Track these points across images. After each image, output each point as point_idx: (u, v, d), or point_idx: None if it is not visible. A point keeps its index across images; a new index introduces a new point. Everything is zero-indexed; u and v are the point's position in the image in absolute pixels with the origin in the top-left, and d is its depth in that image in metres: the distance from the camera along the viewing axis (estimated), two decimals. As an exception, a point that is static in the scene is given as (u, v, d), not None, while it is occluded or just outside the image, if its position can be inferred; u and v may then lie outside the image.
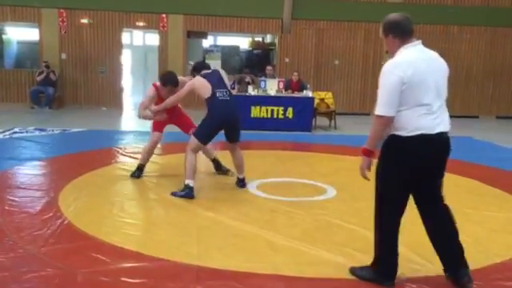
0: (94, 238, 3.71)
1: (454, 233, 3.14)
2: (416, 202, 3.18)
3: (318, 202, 4.98)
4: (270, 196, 5.08)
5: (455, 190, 5.57)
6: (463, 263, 3.11)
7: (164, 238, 3.81)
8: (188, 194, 4.83)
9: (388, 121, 2.88)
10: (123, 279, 3.06)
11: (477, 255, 3.62)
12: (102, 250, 3.50)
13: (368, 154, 3.02)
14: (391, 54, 3.00)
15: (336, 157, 7.36)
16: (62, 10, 12.66)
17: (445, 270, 3.17)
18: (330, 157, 7.40)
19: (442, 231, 3.15)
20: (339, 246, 3.72)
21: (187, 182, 4.88)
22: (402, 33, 2.96)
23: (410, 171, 2.95)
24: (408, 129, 2.88)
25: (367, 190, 5.36)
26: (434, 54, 3.03)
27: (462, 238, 3.91)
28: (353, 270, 3.28)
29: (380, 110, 2.88)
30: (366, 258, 3.51)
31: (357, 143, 8.65)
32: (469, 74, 13.78)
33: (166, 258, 3.38)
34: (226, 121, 5.15)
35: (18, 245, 3.53)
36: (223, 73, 5.30)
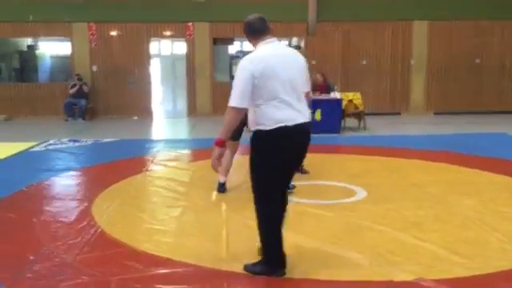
0: (127, 245, 3.79)
1: None
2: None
3: (347, 204, 4.94)
4: (298, 199, 5.05)
5: (489, 187, 5.49)
6: None
7: (194, 243, 3.86)
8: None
9: (240, 112, 3.07)
10: (155, 286, 3.11)
11: (512, 254, 3.53)
12: (135, 257, 3.56)
13: (221, 144, 3.18)
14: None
15: (365, 158, 7.28)
16: (91, 24, 13.00)
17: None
18: (359, 158, 7.34)
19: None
20: (370, 248, 3.67)
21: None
22: (254, 32, 3.21)
23: (277, 163, 3.09)
24: (268, 123, 3.03)
25: (397, 191, 5.36)
26: (288, 50, 3.30)
27: (497, 236, 3.87)
28: (246, 268, 3.27)
29: (233, 101, 3.05)
30: (398, 259, 3.48)
31: (386, 143, 8.65)
32: (501, 69, 13.41)
33: (196, 263, 3.42)
34: None
35: (54, 254, 3.64)
36: None
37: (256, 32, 3.21)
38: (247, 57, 3.14)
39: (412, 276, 3.17)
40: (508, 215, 4.42)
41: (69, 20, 12.89)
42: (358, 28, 13.38)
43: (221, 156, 3.24)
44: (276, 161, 3.09)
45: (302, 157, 3.34)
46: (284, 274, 3.20)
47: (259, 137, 3.10)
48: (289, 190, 3.65)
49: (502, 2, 13.09)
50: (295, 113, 3.07)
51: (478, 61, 13.22)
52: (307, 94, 3.37)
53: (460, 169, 6.41)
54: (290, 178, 3.37)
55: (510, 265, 3.31)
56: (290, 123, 3.03)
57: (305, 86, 3.27)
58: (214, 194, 5.32)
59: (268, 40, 3.17)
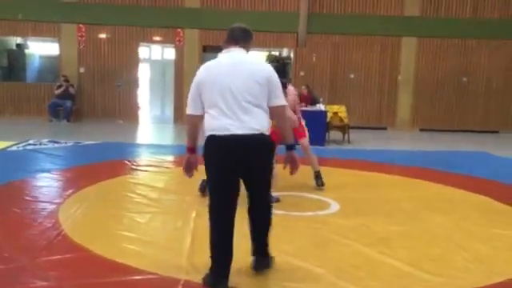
0: (87, 250, 3.71)
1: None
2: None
3: (318, 216, 4.89)
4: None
5: (463, 205, 5.47)
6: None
7: (156, 251, 3.79)
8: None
9: (193, 119, 3.18)
10: (108, 293, 3.05)
11: (476, 273, 3.50)
12: (93, 262, 3.49)
13: (189, 151, 3.30)
14: None
15: (345, 171, 7.26)
16: (80, 25, 12.95)
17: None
18: (338, 171, 7.30)
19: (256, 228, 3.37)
20: (333, 263, 3.63)
21: None
22: (226, 40, 3.22)
23: (214, 172, 3.10)
24: (206, 130, 3.09)
25: (371, 206, 5.32)
26: (245, 60, 3.13)
27: (463, 254, 3.85)
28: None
29: (187, 109, 3.19)
30: (360, 274, 3.44)
31: (369, 158, 8.60)
32: (488, 88, 13.50)
33: (154, 271, 3.35)
34: None
35: (11, 256, 3.55)
36: None
37: (227, 40, 3.21)
38: (200, 69, 3.19)
39: (370, 292, 3.13)
40: (477, 234, 4.39)
41: (58, 20, 12.85)
42: (348, 41, 13.44)
43: (189, 163, 3.29)
44: (212, 170, 3.10)
45: (245, 170, 3.09)
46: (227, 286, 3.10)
47: (204, 143, 3.13)
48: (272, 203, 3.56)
49: (490, 22, 13.21)
50: (231, 123, 2.99)
51: (464, 79, 13.32)
52: (275, 109, 3.14)
53: (437, 186, 6.39)
54: (232, 191, 3.11)
55: (471, 284, 3.28)
56: (221, 133, 3.01)
57: (260, 99, 3.06)
58: (191, 199, 5.28)
59: (231, 49, 3.17)
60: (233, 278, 3.19)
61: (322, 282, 3.32)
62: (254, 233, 3.39)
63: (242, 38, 3.21)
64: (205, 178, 5.36)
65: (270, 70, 3.17)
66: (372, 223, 4.65)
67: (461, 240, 4.21)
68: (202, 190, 5.30)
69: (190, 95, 3.16)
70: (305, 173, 6.47)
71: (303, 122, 6.20)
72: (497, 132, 13.25)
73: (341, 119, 10.75)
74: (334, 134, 10.69)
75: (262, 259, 3.42)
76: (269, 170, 3.31)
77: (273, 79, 3.12)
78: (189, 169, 3.36)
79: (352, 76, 13.41)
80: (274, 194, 5.05)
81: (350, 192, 5.87)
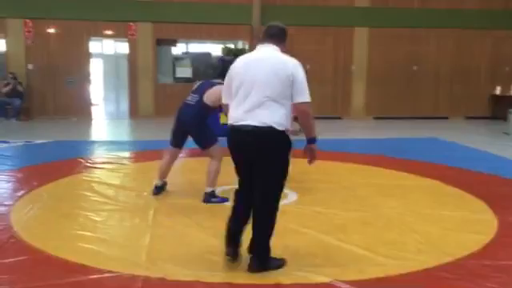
0: (42, 251, 3.62)
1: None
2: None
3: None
4: (228, 203, 5.02)
5: (415, 190, 5.66)
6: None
7: (114, 249, 3.74)
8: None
9: (225, 107, 3.46)
10: (65, 293, 2.99)
11: (428, 254, 3.64)
12: (48, 264, 3.42)
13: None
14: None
15: (301, 161, 7.30)
16: (27, 20, 12.48)
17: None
18: (295, 161, 7.34)
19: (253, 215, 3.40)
20: (292, 251, 3.68)
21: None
22: (261, 36, 3.39)
23: (232, 158, 3.38)
24: (228, 119, 3.34)
25: (328, 194, 5.43)
26: (270, 55, 3.26)
27: (415, 237, 4.00)
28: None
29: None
30: (318, 261, 3.51)
31: (325, 147, 8.74)
32: (437, 76, 13.96)
33: (113, 269, 3.31)
34: (179, 122, 5.27)
35: (-40, 261, 3.43)
36: (212, 83, 5.15)
37: (261, 37, 3.38)
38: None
39: (328, 278, 3.20)
40: (428, 217, 4.57)
41: (3, 16, 12.33)
42: (302, 33, 13.55)
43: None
44: (233, 156, 3.37)
45: (249, 159, 3.25)
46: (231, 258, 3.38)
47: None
48: None
49: (438, 12, 13.64)
50: (244, 114, 3.17)
51: (415, 68, 13.73)
52: (298, 106, 3.20)
53: (391, 172, 6.58)
54: (245, 178, 3.38)
55: (422, 265, 3.41)
56: (235, 123, 3.23)
57: (280, 94, 3.14)
58: (149, 196, 5.23)
59: (263, 45, 3.33)
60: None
61: (279, 269, 3.36)
62: (252, 229, 3.36)
63: (276, 36, 3.34)
64: (156, 181, 5.42)
65: (294, 67, 3.21)
66: (329, 211, 4.76)
67: (413, 223, 4.37)
68: (155, 192, 5.32)
69: (225, 84, 3.42)
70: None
71: None
72: (446, 118, 13.75)
73: (297, 110, 10.84)
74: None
75: (253, 258, 3.34)
76: (274, 166, 3.24)
77: (297, 76, 3.17)
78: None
79: (308, 67, 13.52)
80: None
81: (307, 182, 5.95)
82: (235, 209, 3.44)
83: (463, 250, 3.72)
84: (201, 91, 5.17)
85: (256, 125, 3.12)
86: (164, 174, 5.44)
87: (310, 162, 3.45)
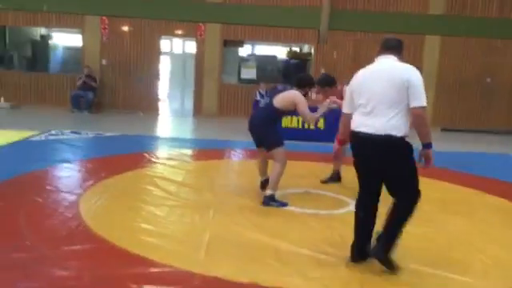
0: (107, 241, 3.78)
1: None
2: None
3: (337, 215, 4.89)
4: (290, 207, 5.03)
5: (481, 208, 5.42)
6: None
7: (174, 244, 3.83)
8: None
9: (344, 117, 3.70)
10: (127, 284, 3.09)
11: (494, 279, 3.46)
12: (112, 254, 3.56)
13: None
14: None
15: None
16: (104, 18, 13.08)
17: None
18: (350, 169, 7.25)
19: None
20: (351, 262, 3.62)
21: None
22: (380, 48, 3.54)
23: (355, 164, 3.61)
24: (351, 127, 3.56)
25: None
26: (388, 66, 3.42)
27: (482, 259, 3.81)
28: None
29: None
30: (369, 276, 3.43)
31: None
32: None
33: (172, 264, 3.39)
34: (249, 124, 5.41)
35: (33, 245, 3.63)
36: (287, 90, 5.39)
37: (380, 49, 3.54)
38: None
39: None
40: (497, 238, 4.35)
41: (81, 12, 13.00)
42: (369, 39, 13.30)
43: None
44: (354, 163, 3.61)
45: (371, 164, 3.46)
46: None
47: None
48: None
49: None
50: (365, 122, 3.38)
51: (488, 80, 13.10)
52: (413, 110, 3.28)
53: (456, 187, 6.32)
54: (369, 181, 3.55)
55: (489, 289, 3.26)
56: (356, 130, 3.45)
57: (396, 102, 3.29)
58: (209, 194, 5.32)
59: (382, 56, 3.50)
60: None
61: (336, 279, 3.31)
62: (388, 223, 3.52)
63: (395, 48, 3.50)
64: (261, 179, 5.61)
65: (410, 73, 3.33)
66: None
67: (480, 244, 4.17)
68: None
69: (345, 97, 3.68)
70: (322, 170, 6.44)
71: None
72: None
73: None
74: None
75: (381, 247, 3.48)
76: (399, 171, 3.42)
77: (412, 81, 3.28)
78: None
79: (374, 74, 13.29)
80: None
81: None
82: (361, 216, 3.66)
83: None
84: (272, 95, 5.33)
85: (375, 133, 3.32)
86: (262, 171, 5.60)
87: (427, 167, 3.50)
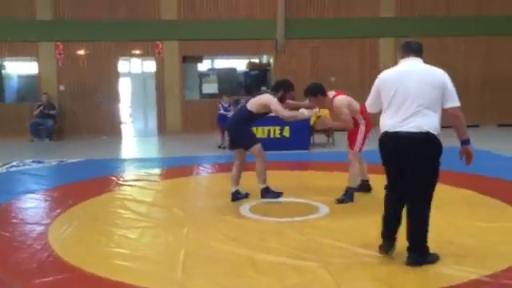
0: (79, 269, 3.68)
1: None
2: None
3: (309, 221, 4.92)
4: (262, 218, 5.04)
5: (449, 201, 5.53)
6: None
7: (150, 266, 3.77)
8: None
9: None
10: (105, 311, 3.03)
11: (466, 267, 3.55)
12: (86, 281, 3.48)
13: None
14: None
15: (331, 174, 7.31)
16: (58, 43, 12.86)
17: None
18: (325, 174, 7.36)
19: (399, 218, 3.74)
20: (328, 266, 3.65)
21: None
22: (403, 52, 3.72)
23: (385, 162, 3.70)
24: (382, 127, 3.66)
25: (360, 207, 5.37)
26: (420, 67, 3.61)
27: (452, 249, 3.90)
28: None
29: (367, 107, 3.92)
30: (357, 275, 3.47)
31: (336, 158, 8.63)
32: (466, 84, 13.72)
33: (149, 286, 3.34)
34: (226, 127, 6.07)
35: (3, 281, 3.51)
36: (260, 95, 5.75)
37: (403, 52, 3.70)
38: (380, 74, 3.76)
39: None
40: (466, 229, 4.47)
41: (35, 39, 12.75)
42: (326, 45, 13.58)
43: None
44: (382, 161, 3.72)
45: (403, 163, 3.54)
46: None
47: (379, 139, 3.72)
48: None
49: (464, 20, 13.46)
50: (401, 122, 3.48)
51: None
52: (450, 111, 3.49)
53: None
54: (399, 180, 3.63)
55: (460, 279, 3.34)
56: (391, 130, 3.54)
57: (434, 102, 3.47)
58: (180, 212, 5.27)
59: (408, 58, 3.66)
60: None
61: (317, 285, 3.34)
62: (407, 230, 3.62)
63: (418, 50, 3.67)
64: (231, 188, 5.74)
65: (444, 76, 3.55)
66: (363, 224, 4.70)
67: (450, 235, 4.28)
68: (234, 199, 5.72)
69: (370, 97, 3.82)
70: (290, 177, 6.47)
71: (359, 133, 5.77)
72: (477, 126, 13.48)
73: (324, 122, 10.81)
74: (318, 138, 10.77)
75: (411, 255, 3.58)
76: (429, 168, 3.53)
77: (447, 84, 3.51)
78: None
79: (333, 79, 13.49)
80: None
81: (337, 194, 5.89)
82: (389, 210, 3.75)
83: (503, 263, 3.62)
84: (248, 100, 5.77)
85: (413, 131, 3.45)
86: (235, 179, 5.83)
87: (468, 162, 3.66)
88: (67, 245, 4.29)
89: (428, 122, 3.46)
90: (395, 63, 13.05)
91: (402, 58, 3.69)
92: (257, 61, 15.70)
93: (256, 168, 5.66)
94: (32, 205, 5.87)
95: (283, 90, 5.69)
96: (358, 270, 3.60)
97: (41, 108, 12.30)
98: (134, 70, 16.24)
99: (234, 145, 5.77)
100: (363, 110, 5.48)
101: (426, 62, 3.68)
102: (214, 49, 13.54)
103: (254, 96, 5.81)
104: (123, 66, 14.66)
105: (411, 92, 3.49)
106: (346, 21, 13.44)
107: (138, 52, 13.52)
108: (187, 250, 4.10)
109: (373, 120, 5.54)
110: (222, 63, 15.72)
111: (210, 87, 14.12)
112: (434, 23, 13.46)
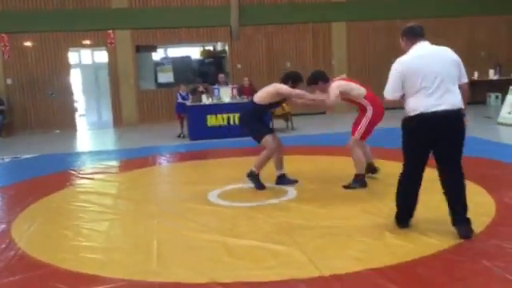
0: (50, 265, 3.58)
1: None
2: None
3: (279, 204, 4.98)
4: (231, 203, 5.05)
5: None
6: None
7: (122, 257, 3.72)
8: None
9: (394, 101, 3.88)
10: (82, 305, 2.96)
11: (434, 238, 3.70)
12: (58, 277, 3.38)
13: None
14: (406, 51, 3.82)
15: (295, 157, 7.36)
16: (3, 35, 12.28)
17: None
18: (288, 158, 7.37)
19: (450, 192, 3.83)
20: (301, 246, 3.71)
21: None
22: (410, 37, 3.80)
23: (415, 143, 3.76)
24: (412, 110, 3.71)
25: (327, 189, 5.47)
26: (437, 48, 3.76)
27: (419, 223, 4.04)
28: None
29: (386, 94, 3.88)
30: (331, 253, 3.55)
31: (314, 142, 8.79)
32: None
33: (125, 278, 3.29)
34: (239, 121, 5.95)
35: (-32, 282, 3.37)
36: (270, 85, 5.65)
37: (411, 37, 3.78)
38: (397, 60, 3.78)
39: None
40: (427, 203, 4.62)
41: (-23, 32, 12.12)
42: (280, 31, 13.63)
43: None
44: (412, 142, 3.77)
45: (439, 140, 3.67)
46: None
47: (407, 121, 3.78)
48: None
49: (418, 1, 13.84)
50: (437, 102, 3.59)
51: (393, 60, 13.89)
52: (463, 85, 3.76)
53: (384, 163, 6.62)
54: (424, 158, 3.76)
55: (429, 250, 3.48)
56: (425, 110, 3.60)
57: (455, 78, 3.69)
58: (147, 203, 5.19)
59: (419, 43, 3.75)
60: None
61: (293, 266, 3.39)
62: (458, 203, 3.75)
63: (423, 33, 3.80)
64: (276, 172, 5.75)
65: (454, 53, 3.76)
66: (331, 206, 4.79)
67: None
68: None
69: (389, 83, 3.80)
70: (252, 164, 6.50)
71: (364, 118, 5.61)
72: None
73: (283, 107, 10.90)
74: (277, 123, 10.85)
75: (468, 226, 3.71)
76: (462, 140, 3.73)
77: (459, 61, 3.75)
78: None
79: (288, 64, 13.59)
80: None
81: (303, 177, 5.98)
82: (412, 188, 3.89)
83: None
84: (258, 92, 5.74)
85: (450, 108, 3.61)
86: (276, 165, 5.82)
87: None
88: (33, 241, 4.15)
89: (458, 99, 3.67)
90: (348, 46, 13.27)
91: (412, 43, 3.77)
92: (211, 48, 15.58)
93: (260, 154, 5.59)
94: (-11, 203, 5.63)
95: (292, 81, 5.58)
96: (331, 248, 3.68)
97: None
98: (84, 60, 15.75)
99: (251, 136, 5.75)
100: (372, 97, 5.53)
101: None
102: (167, 37, 13.31)
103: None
104: (73, 57, 14.18)
105: (438, 72, 3.62)
106: (299, 6, 13.52)
107: (88, 42, 13.09)
108: (160, 239, 4.06)
109: (383, 109, 5.52)
110: (176, 52, 15.50)
111: (166, 76, 13.91)
112: (383, 7, 13.76)
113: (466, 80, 3.81)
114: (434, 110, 3.60)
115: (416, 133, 3.73)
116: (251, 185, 5.68)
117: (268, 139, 5.49)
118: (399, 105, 3.89)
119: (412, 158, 3.83)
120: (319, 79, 5.62)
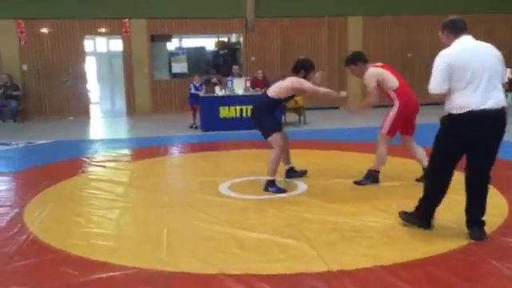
0: (61, 251, 3.62)
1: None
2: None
3: (289, 197, 4.98)
4: (241, 195, 5.06)
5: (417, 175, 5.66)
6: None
7: (133, 245, 3.75)
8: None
9: (441, 97, 3.62)
10: (92, 291, 3.00)
11: (446, 238, 3.68)
12: (70, 262, 3.41)
13: None
14: (447, 45, 3.64)
15: (306, 152, 7.37)
16: (19, 21, 12.37)
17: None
18: (300, 152, 7.37)
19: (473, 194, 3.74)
20: (311, 240, 3.71)
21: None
22: (453, 31, 3.63)
23: (453, 141, 3.60)
24: (457, 107, 3.53)
25: (337, 183, 5.45)
26: (483, 44, 3.61)
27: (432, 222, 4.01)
28: None
29: (431, 88, 3.62)
30: (340, 248, 3.54)
31: (326, 137, 8.76)
32: (431, 63, 14.02)
33: (135, 265, 3.32)
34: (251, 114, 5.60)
35: (-19, 265, 3.42)
36: (286, 79, 5.34)
37: (454, 31, 3.62)
38: (441, 52, 3.57)
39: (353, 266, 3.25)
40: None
41: (-5, 17, 12.22)
42: (296, 24, 13.56)
43: None
44: (450, 139, 3.61)
45: (482, 140, 3.53)
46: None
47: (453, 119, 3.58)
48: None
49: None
50: (485, 99, 3.44)
51: (409, 55, 13.78)
52: (504, 84, 3.62)
53: (393, 159, 6.58)
54: (456, 161, 3.66)
55: (441, 249, 3.46)
56: (473, 108, 3.44)
57: (500, 75, 3.56)
58: (158, 192, 5.21)
59: (463, 37, 3.60)
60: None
61: (302, 260, 3.39)
62: (478, 205, 3.69)
63: (466, 27, 3.65)
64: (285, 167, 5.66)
65: (497, 52, 3.62)
66: (341, 200, 4.79)
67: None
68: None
69: (434, 77, 3.57)
70: (263, 157, 6.49)
71: (391, 112, 5.54)
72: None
73: (295, 101, 10.85)
74: (289, 117, 10.82)
75: (481, 228, 3.68)
76: (501, 141, 3.62)
77: (502, 58, 3.62)
78: None
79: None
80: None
81: (313, 171, 5.97)
82: (442, 189, 3.77)
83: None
84: (272, 86, 5.42)
85: (496, 107, 3.47)
86: (284, 160, 5.66)
87: None
88: (45, 227, 4.20)
89: (503, 97, 3.55)
90: (364, 41, 13.16)
91: (454, 36, 3.61)
92: (226, 39, 15.55)
93: (268, 159, 5.26)
94: (4, 187, 5.70)
95: (305, 70, 5.32)
96: (340, 243, 3.67)
97: (2, 90, 11.84)
98: (99, 49, 15.82)
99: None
100: (402, 90, 5.38)
101: None
102: (182, 27, 13.30)
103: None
104: (88, 44, 14.25)
105: (487, 67, 3.48)
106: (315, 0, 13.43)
107: (103, 30, 13.14)
108: (170, 228, 4.08)
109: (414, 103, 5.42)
110: (191, 42, 15.50)
111: (180, 66, 13.92)
112: (401, 2, 13.62)
113: (506, 79, 3.69)
114: (482, 107, 3.44)
115: (461, 131, 3.53)
116: (260, 177, 5.68)
117: (276, 138, 5.24)
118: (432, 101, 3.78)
119: (447, 156, 3.65)
120: (358, 60, 5.47)
